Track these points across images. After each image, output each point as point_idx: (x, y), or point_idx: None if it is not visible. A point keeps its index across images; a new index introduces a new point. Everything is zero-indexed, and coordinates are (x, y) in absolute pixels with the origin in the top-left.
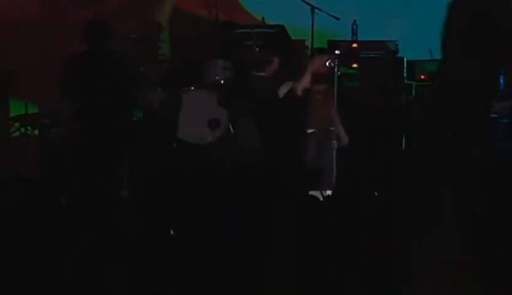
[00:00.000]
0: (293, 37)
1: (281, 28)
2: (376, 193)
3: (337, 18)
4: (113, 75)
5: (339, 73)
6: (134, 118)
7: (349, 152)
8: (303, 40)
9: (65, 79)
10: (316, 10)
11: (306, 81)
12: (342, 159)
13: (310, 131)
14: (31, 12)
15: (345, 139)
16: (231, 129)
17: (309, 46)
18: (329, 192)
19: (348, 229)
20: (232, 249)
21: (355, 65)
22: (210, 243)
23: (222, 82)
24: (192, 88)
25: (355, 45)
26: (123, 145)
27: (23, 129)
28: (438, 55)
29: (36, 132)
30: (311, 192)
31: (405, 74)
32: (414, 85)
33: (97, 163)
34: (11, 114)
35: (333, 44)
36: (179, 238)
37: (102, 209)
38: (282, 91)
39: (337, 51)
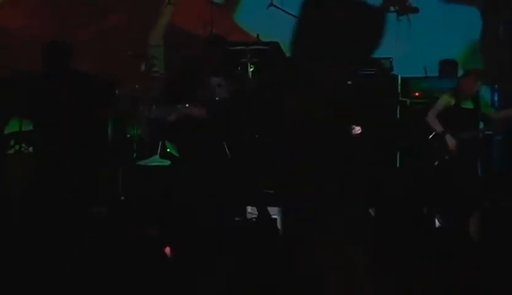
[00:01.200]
0: (287, 54)
1: (275, 45)
2: None
3: None
4: (75, 95)
5: None
6: (129, 136)
7: None
8: None
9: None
10: None
11: None
12: None
13: None
14: (33, 31)
15: None
16: (225, 146)
17: None
18: None
19: None
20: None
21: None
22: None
23: (217, 99)
24: (187, 105)
25: None
26: (91, 164)
27: (17, 147)
28: (432, 72)
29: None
30: None
31: (399, 91)
32: (408, 102)
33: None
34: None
35: None
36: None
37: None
38: None
39: None
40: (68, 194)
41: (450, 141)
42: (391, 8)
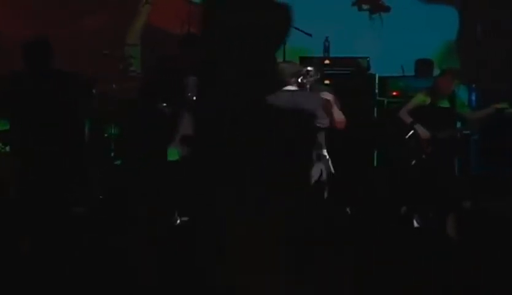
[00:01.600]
0: None
1: None
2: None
3: (310, 35)
4: (56, 94)
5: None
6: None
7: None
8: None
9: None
10: None
11: None
12: None
13: None
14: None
15: None
16: None
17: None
18: None
19: None
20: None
21: (327, 81)
22: None
23: (194, 98)
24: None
25: (327, 61)
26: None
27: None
28: (410, 71)
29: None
30: None
31: (377, 90)
32: (385, 101)
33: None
34: None
35: (305, 60)
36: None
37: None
38: None
39: (309, 68)
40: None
41: (422, 132)
42: (364, 7)
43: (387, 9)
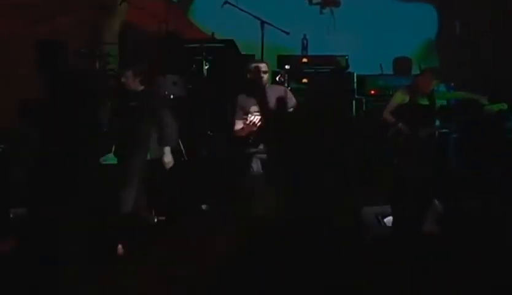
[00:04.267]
0: (243, 52)
1: (230, 43)
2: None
3: (287, 33)
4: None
5: (289, 88)
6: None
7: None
8: (253, 55)
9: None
10: (266, 25)
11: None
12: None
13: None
14: None
15: None
16: (181, 146)
17: None
18: None
19: None
20: None
21: (305, 80)
22: None
23: (172, 96)
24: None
25: (305, 59)
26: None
27: None
28: (388, 70)
29: None
30: None
31: (355, 89)
32: (364, 100)
33: None
34: None
35: (282, 59)
36: None
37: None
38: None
39: (287, 66)
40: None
41: (405, 128)
42: (314, 1)
43: (337, 4)
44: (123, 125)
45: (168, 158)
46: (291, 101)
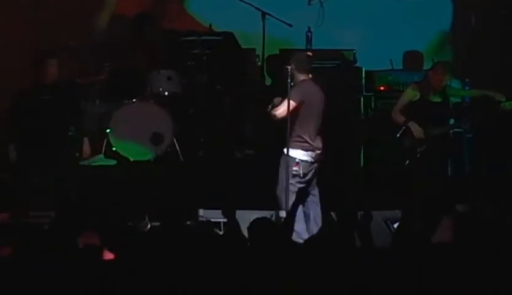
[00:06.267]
0: (243, 46)
1: (229, 36)
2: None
3: (290, 25)
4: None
5: (292, 84)
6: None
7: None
8: (253, 49)
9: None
10: (267, 16)
11: None
12: None
13: None
14: None
15: None
16: (176, 145)
17: (260, 54)
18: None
19: None
20: None
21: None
22: None
23: (166, 93)
24: (134, 100)
25: (309, 54)
26: None
27: None
28: (398, 65)
29: None
30: None
31: (363, 85)
32: (372, 97)
33: None
34: None
35: (285, 53)
36: None
37: None
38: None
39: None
40: None
41: (415, 128)
42: None
43: None
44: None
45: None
46: None
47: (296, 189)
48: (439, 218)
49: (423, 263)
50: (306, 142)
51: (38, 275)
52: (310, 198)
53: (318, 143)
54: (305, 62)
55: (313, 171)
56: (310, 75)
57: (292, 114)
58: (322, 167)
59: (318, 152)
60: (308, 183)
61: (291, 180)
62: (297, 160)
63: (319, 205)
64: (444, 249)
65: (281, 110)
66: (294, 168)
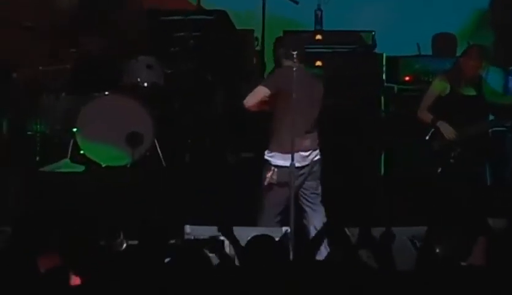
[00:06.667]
0: (238, 27)
1: (222, 14)
2: None
3: (296, 2)
4: None
5: None
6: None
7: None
8: (251, 30)
9: None
10: None
11: None
12: None
13: None
14: None
15: None
16: (157, 147)
17: (259, 37)
18: None
19: None
20: None
21: (319, 63)
22: None
23: (146, 84)
24: (106, 93)
25: (319, 36)
26: None
27: None
28: (427, 50)
29: None
30: None
31: (384, 75)
32: (395, 88)
33: None
34: None
35: (289, 35)
36: None
37: None
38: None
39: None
40: None
41: (445, 129)
42: None
43: None
44: None
45: None
46: None
47: (272, 202)
48: (474, 236)
49: (452, 291)
50: (286, 142)
51: None
52: (309, 211)
53: (307, 143)
54: (291, 45)
55: (302, 177)
56: (299, 62)
57: (270, 106)
58: (323, 173)
59: (306, 154)
60: (297, 193)
61: (267, 192)
62: (272, 167)
63: (324, 219)
64: (478, 274)
65: (249, 99)
66: (267, 175)
